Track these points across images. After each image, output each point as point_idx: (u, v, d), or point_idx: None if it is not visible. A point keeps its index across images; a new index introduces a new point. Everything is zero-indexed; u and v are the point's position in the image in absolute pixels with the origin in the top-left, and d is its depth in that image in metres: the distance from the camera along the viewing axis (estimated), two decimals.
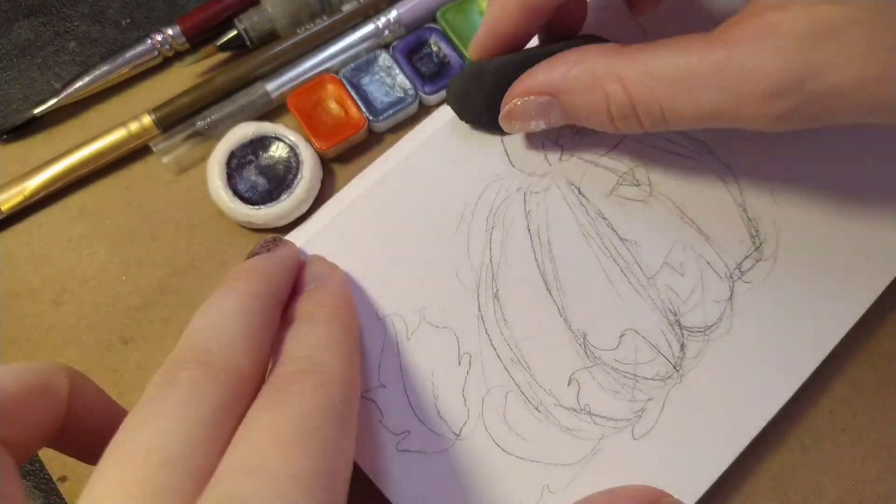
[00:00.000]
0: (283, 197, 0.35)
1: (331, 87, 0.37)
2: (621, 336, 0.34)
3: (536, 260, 0.35)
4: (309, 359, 0.23)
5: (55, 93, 0.37)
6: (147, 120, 0.36)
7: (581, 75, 0.28)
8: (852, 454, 0.35)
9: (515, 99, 0.31)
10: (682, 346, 0.34)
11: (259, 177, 0.36)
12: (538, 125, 0.31)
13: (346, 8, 0.38)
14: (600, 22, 0.35)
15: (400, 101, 0.37)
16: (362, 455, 0.32)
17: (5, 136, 0.37)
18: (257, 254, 0.29)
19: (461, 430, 0.32)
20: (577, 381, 0.33)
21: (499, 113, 0.32)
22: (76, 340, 0.34)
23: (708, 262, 0.35)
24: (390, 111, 0.37)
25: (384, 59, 0.38)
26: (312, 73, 0.37)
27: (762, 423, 0.33)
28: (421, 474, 0.32)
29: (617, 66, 0.27)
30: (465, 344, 0.33)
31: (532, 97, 0.30)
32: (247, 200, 0.35)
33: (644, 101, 0.26)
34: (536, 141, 0.36)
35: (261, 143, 0.36)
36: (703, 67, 0.25)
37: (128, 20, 0.40)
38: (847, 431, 0.35)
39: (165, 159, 0.36)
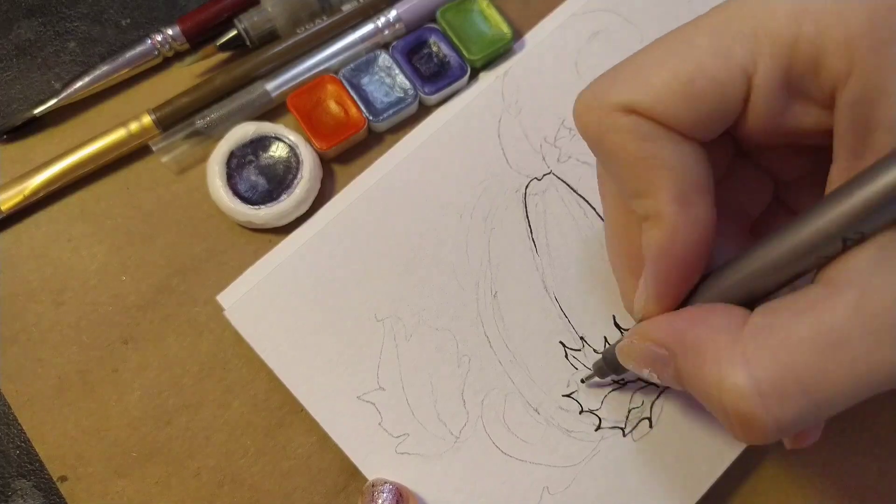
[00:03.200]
0: (283, 197, 0.35)
1: (331, 88, 0.37)
2: (621, 338, 0.34)
3: (535, 261, 0.35)
4: None
5: (55, 93, 0.37)
6: (147, 120, 0.36)
7: (699, 339, 0.24)
8: (853, 454, 0.35)
9: (635, 338, 0.27)
10: None
11: (259, 177, 0.36)
12: (652, 377, 0.27)
13: (346, 8, 0.38)
14: None
15: (400, 101, 0.37)
16: (361, 457, 0.32)
17: (5, 136, 0.37)
18: None
19: (460, 432, 0.32)
20: (576, 383, 0.33)
21: None
22: (76, 340, 0.34)
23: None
24: (390, 111, 0.37)
25: (384, 59, 0.38)
26: (312, 73, 0.37)
27: None
28: (420, 477, 0.32)
29: (738, 339, 0.22)
30: (463, 346, 0.33)
31: (649, 343, 0.26)
32: (247, 200, 0.35)
33: (780, 383, 0.21)
34: (535, 142, 0.36)
35: (261, 143, 0.36)
36: (840, 320, 0.21)
37: (128, 20, 0.40)
38: (847, 431, 0.35)
39: (165, 159, 0.36)
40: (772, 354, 0.21)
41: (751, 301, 0.24)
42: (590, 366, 0.33)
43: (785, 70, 0.22)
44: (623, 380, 0.33)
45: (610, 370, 0.31)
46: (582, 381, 0.33)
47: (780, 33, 0.22)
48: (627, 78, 0.24)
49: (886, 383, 0.21)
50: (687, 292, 0.26)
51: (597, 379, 0.33)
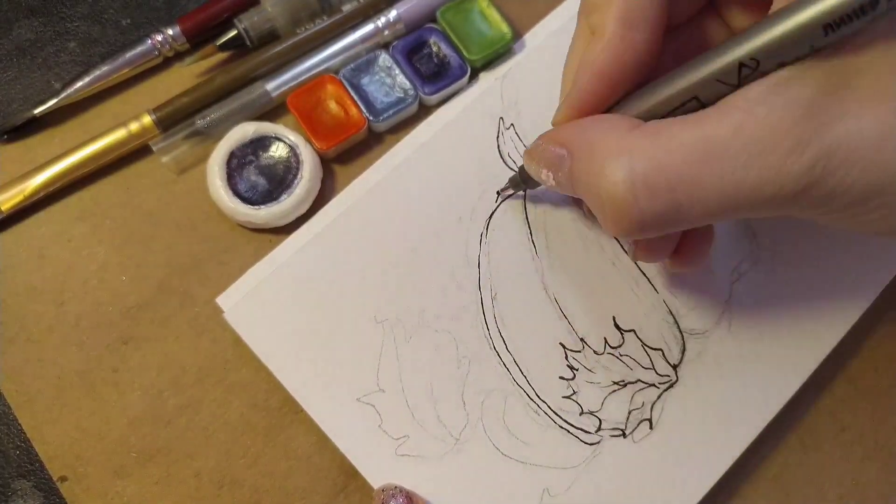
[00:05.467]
0: (283, 197, 0.35)
1: (331, 88, 0.37)
2: (621, 339, 0.34)
3: (535, 263, 0.35)
4: None
5: (55, 93, 0.37)
6: (147, 120, 0.36)
7: (593, 137, 0.26)
8: (852, 454, 0.35)
9: (540, 140, 0.29)
10: (682, 348, 0.34)
11: (259, 177, 0.36)
12: (548, 178, 0.28)
13: (346, 8, 0.38)
14: None
15: (400, 101, 0.37)
16: (361, 460, 0.32)
17: (6, 136, 0.37)
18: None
19: (461, 433, 0.32)
20: (576, 385, 0.33)
21: None
22: (76, 340, 0.34)
23: (707, 264, 0.35)
24: (390, 111, 0.37)
25: (384, 59, 0.38)
26: (312, 73, 0.37)
27: (762, 424, 0.33)
28: (421, 479, 0.32)
29: (627, 137, 0.24)
30: (463, 347, 0.33)
31: (551, 144, 0.27)
32: (247, 200, 0.35)
33: (653, 177, 0.23)
34: None
35: (261, 143, 0.36)
36: (719, 134, 0.23)
37: (128, 20, 0.40)
38: (847, 431, 0.35)
39: (165, 159, 0.36)
40: (651, 153, 0.23)
41: (652, 119, 0.26)
42: (590, 367, 0.33)
43: None
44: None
45: (523, 182, 0.33)
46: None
47: None
48: None
49: (747, 205, 0.23)
50: (604, 108, 0.27)
51: (510, 192, 0.35)
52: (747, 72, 0.23)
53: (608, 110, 0.27)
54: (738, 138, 0.22)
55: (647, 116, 0.26)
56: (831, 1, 0.21)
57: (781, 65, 0.22)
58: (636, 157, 0.24)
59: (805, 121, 0.22)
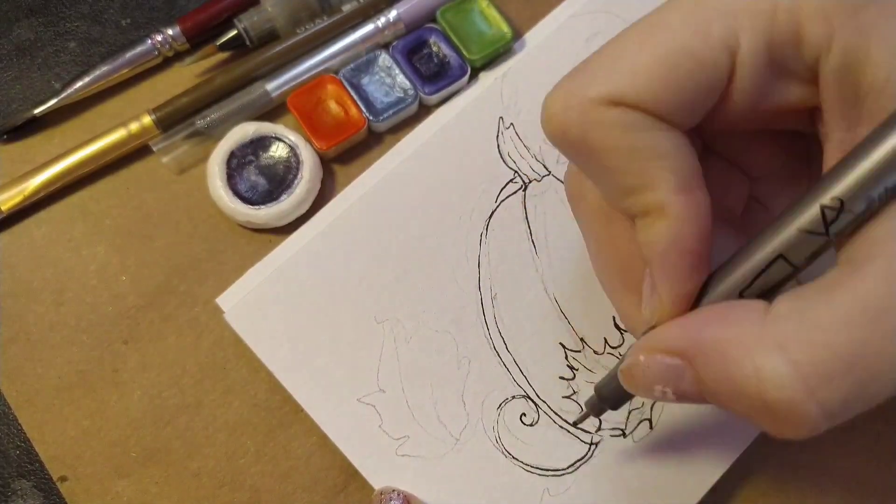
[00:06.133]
0: (283, 197, 0.35)
1: (331, 88, 0.37)
2: (621, 339, 0.34)
3: (535, 263, 0.35)
4: None
5: (55, 93, 0.37)
6: (147, 120, 0.36)
7: (722, 336, 0.21)
8: (852, 454, 0.35)
9: (641, 355, 0.24)
10: None
11: (259, 177, 0.36)
12: (666, 394, 0.23)
13: (346, 8, 0.38)
14: None
15: (400, 101, 0.37)
16: (361, 460, 0.32)
17: (5, 136, 0.37)
18: None
19: (461, 434, 0.32)
20: (576, 384, 0.33)
21: None
22: (76, 340, 0.34)
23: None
24: (390, 111, 0.37)
25: (384, 59, 0.38)
26: (312, 73, 0.37)
27: None
28: (421, 479, 0.32)
29: (768, 328, 0.20)
30: (463, 348, 0.33)
31: (659, 356, 0.23)
32: (247, 200, 0.35)
33: (823, 363, 0.19)
34: (534, 144, 0.36)
35: (261, 143, 0.36)
36: (874, 290, 0.19)
37: (128, 20, 0.40)
38: (847, 431, 0.35)
39: (165, 159, 0.36)
40: (807, 337, 0.20)
41: (763, 295, 0.23)
42: (590, 367, 0.33)
43: (766, 43, 0.21)
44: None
45: (607, 405, 0.28)
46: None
47: (757, 6, 0.21)
48: (606, 68, 0.22)
49: None
50: (697, 292, 0.24)
51: (587, 418, 0.31)
52: (832, 214, 0.20)
53: (696, 302, 0.24)
54: (892, 287, 0.19)
55: (740, 294, 0.23)
56: None
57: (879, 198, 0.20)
58: (791, 346, 0.20)
59: None
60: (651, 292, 0.24)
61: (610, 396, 0.28)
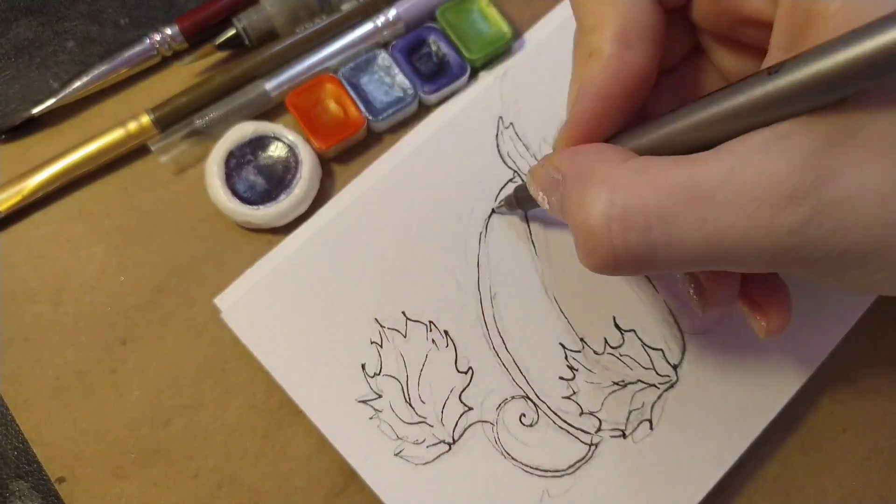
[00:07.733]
0: (282, 197, 0.35)
1: (330, 87, 0.37)
2: (621, 339, 0.34)
3: (534, 262, 0.35)
4: None
5: (54, 92, 0.37)
6: (145, 119, 0.36)
7: (587, 166, 0.24)
8: (852, 454, 0.35)
9: (541, 162, 0.28)
10: (683, 348, 0.34)
11: (258, 176, 0.36)
12: (543, 201, 0.27)
13: (345, 7, 0.38)
14: None
15: (399, 100, 0.37)
16: (360, 461, 0.32)
17: (4, 136, 0.37)
18: None
19: (461, 434, 0.32)
20: (576, 385, 0.33)
21: None
22: (75, 340, 0.34)
23: None
24: (389, 111, 0.37)
25: (383, 58, 0.38)
26: (311, 72, 0.37)
27: (762, 425, 0.33)
28: (420, 480, 0.32)
29: (615, 168, 0.23)
30: (463, 348, 0.33)
31: (549, 167, 0.26)
32: (245, 200, 0.35)
33: (631, 212, 0.22)
34: (534, 143, 0.36)
35: (259, 142, 0.36)
36: (709, 177, 0.21)
37: (126, 20, 0.39)
38: (848, 431, 0.35)
39: (164, 159, 0.36)
40: (634, 187, 0.22)
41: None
42: (590, 367, 0.33)
43: None
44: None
45: (517, 202, 0.33)
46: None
47: None
48: None
49: (730, 256, 0.22)
50: (606, 132, 0.26)
51: (505, 211, 0.35)
52: (754, 118, 0.22)
53: (609, 140, 0.26)
54: (729, 183, 0.21)
55: (646, 152, 0.25)
56: (854, 54, 0.19)
57: (786, 116, 0.21)
58: (618, 189, 0.22)
59: (803, 172, 0.20)
60: (566, 119, 0.27)
61: (522, 197, 0.33)
